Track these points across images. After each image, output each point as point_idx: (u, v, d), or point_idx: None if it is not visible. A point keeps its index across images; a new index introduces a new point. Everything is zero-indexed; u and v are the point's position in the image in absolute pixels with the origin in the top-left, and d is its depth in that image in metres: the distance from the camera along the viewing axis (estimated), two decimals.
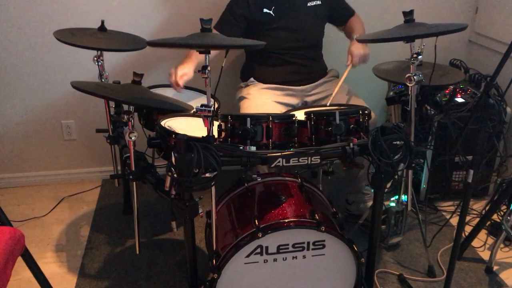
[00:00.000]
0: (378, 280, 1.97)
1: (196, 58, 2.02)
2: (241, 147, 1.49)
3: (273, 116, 1.55)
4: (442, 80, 1.85)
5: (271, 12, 2.15)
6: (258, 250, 1.53)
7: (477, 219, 2.27)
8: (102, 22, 1.99)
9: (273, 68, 2.23)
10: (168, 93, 1.98)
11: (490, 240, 2.23)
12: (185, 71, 1.97)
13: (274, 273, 1.59)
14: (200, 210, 1.50)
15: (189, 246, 1.60)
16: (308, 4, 2.20)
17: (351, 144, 1.51)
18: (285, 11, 2.16)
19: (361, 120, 1.60)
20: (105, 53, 1.99)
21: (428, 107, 2.19)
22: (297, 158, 1.51)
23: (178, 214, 1.55)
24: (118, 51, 2.07)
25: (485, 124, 1.52)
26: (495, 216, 2.19)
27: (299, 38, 2.20)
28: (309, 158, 1.51)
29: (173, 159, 1.37)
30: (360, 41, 1.87)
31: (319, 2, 2.21)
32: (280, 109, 2.13)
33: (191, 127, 1.67)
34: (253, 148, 1.49)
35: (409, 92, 1.62)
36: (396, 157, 1.53)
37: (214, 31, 2.14)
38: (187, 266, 1.64)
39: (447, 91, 2.42)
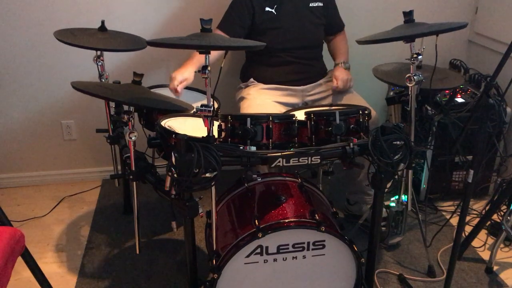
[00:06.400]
0: (378, 280, 1.97)
1: (198, 61, 2.01)
2: (241, 147, 1.49)
3: (273, 116, 1.55)
4: (442, 84, 1.85)
5: (273, 11, 2.15)
6: (258, 250, 1.53)
7: (477, 219, 2.28)
8: (102, 22, 1.99)
9: (273, 68, 2.23)
10: (168, 93, 1.98)
11: (490, 240, 2.23)
12: (185, 76, 1.97)
13: (274, 273, 1.59)
14: (200, 210, 1.50)
15: (189, 246, 1.60)
16: (310, 5, 2.20)
17: (351, 144, 1.52)
18: (288, 11, 2.16)
19: (361, 120, 1.60)
20: (105, 53, 1.99)
21: (428, 107, 2.19)
22: (297, 158, 1.51)
23: (178, 214, 1.55)
24: (118, 51, 2.07)
25: (485, 124, 1.52)
26: (495, 216, 2.19)
27: (300, 38, 2.20)
28: (309, 158, 1.51)
29: (173, 159, 1.37)
30: (360, 42, 1.87)
31: (320, 4, 2.22)
32: (280, 109, 2.13)
33: (191, 127, 1.67)
34: (253, 148, 1.49)
35: (409, 92, 1.62)
36: (396, 157, 1.53)
37: (218, 31, 2.14)
38: (187, 266, 1.64)
39: (447, 91, 2.42)
